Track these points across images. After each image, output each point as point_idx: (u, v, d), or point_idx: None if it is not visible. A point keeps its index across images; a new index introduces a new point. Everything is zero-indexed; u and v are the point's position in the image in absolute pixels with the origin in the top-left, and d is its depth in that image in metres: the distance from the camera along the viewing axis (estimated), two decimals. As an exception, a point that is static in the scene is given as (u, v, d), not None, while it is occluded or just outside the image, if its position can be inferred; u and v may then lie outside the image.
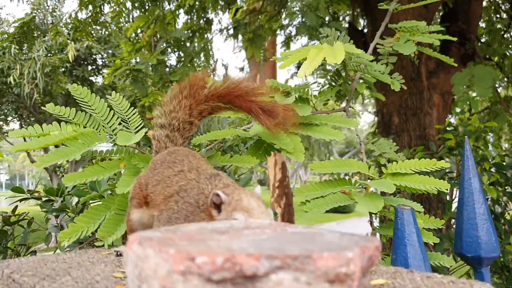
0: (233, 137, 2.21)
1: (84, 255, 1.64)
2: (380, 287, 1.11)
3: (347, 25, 7.68)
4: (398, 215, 1.71)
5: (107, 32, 15.55)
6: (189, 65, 6.51)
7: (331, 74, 2.53)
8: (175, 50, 7.14)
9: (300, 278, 0.66)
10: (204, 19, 8.30)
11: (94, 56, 17.42)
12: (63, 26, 12.72)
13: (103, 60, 17.86)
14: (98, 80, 18.70)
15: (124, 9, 8.32)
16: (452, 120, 9.17)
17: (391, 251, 1.71)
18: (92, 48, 16.05)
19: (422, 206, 1.97)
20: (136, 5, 7.29)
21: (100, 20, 9.93)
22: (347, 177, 2.13)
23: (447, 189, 1.94)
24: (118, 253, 1.59)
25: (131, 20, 8.95)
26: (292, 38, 8.03)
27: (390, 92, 3.66)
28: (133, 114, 2.20)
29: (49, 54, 15.30)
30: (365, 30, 8.18)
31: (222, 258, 0.66)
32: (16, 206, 3.20)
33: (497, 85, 6.46)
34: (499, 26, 9.22)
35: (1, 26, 18.57)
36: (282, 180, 13.91)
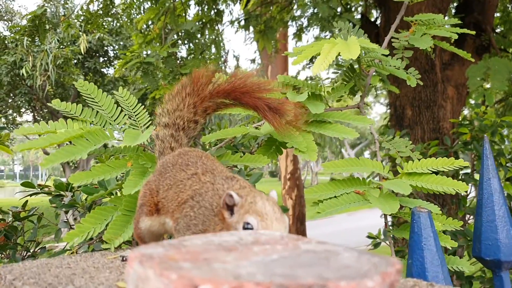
0: (244, 135, 2.15)
1: (89, 259, 1.59)
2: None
3: (359, 16, 7.56)
4: (415, 218, 1.64)
5: (118, 24, 15.54)
6: (200, 57, 6.44)
7: (344, 69, 2.45)
8: (186, 42, 7.08)
9: (313, 308, 0.59)
10: (215, 10, 8.22)
11: (105, 48, 17.44)
12: (75, 18, 12.69)
13: (115, 52, 17.88)
14: (110, 72, 18.73)
15: (135, 0, 8.27)
16: (466, 112, 9.03)
17: (407, 256, 1.65)
18: (103, 40, 16.06)
19: (437, 204, 1.90)
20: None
21: (112, 12, 9.90)
22: (360, 177, 2.07)
23: (466, 191, 1.86)
24: (124, 258, 1.55)
25: (142, 12, 8.91)
26: (304, 30, 7.92)
27: (403, 84, 3.57)
28: (141, 110, 2.14)
29: (61, 46, 15.34)
30: (378, 22, 8.05)
31: (229, 286, 0.60)
32: (27, 201, 3.19)
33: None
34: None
35: (13, 19, 18.65)
36: (294, 172, 13.84)
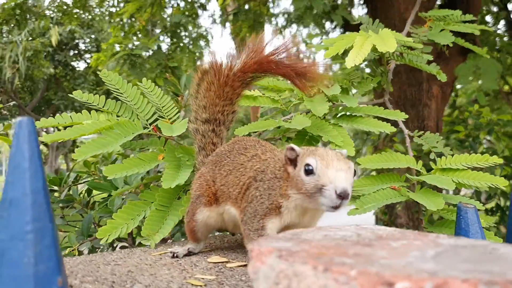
0: (274, 128, 2.09)
1: (133, 256, 1.52)
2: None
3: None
4: (462, 214, 1.62)
5: (90, 17, 15.13)
6: (187, 51, 6.33)
7: (370, 63, 2.42)
8: (169, 35, 6.96)
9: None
10: (198, 4, 8.12)
11: (76, 41, 16.95)
12: (47, 9, 12.32)
13: (86, 45, 17.41)
14: (80, 65, 18.26)
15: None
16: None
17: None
18: (75, 32, 15.58)
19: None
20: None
21: (87, 5, 9.65)
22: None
23: (505, 186, 1.85)
24: (175, 254, 1.47)
25: (116, 4, 8.71)
26: (287, 26, 7.89)
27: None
28: (168, 102, 2.06)
29: (29, 38, 14.85)
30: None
31: (432, 284, 0.54)
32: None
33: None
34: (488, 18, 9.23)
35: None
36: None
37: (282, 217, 1.24)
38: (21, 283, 0.86)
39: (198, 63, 7.91)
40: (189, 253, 1.51)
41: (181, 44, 6.24)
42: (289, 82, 1.85)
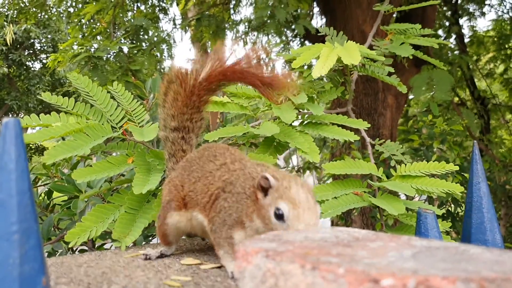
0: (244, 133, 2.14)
1: (105, 259, 1.53)
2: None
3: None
4: (421, 219, 1.71)
5: (46, 16, 14.77)
6: (148, 55, 6.29)
7: (332, 74, 2.51)
8: (131, 38, 6.89)
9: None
10: (159, 8, 8.09)
11: (32, 40, 16.49)
12: (1, 6, 11.95)
13: (42, 45, 16.95)
14: (36, 65, 17.75)
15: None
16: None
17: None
18: (30, 31, 15.16)
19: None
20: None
21: (45, 4, 9.43)
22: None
23: (461, 192, 1.97)
24: (147, 256, 1.50)
25: (74, 4, 8.56)
26: (248, 33, 7.97)
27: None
28: (137, 106, 2.08)
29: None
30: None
31: (415, 281, 0.60)
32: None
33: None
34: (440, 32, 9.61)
35: None
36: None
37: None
38: (6, 283, 0.87)
39: (159, 66, 7.87)
40: (162, 256, 1.53)
41: (143, 48, 6.19)
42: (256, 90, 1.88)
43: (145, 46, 6.45)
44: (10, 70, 16.21)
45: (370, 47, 2.69)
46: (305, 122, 2.23)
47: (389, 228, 2.09)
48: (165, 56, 6.87)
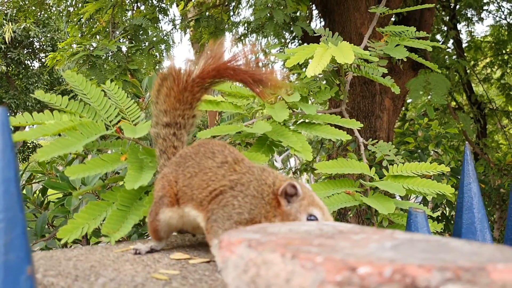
0: (235, 133, 2.15)
1: (95, 253, 1.53)
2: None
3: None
4: (412, 218, 1.72)
5: (46, 15, 14.77)
6: (147, 54, 6.30)
7: (328, 74, 2.53)
8: (129, 37, 6.90)
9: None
10: (159, 8, 8.10)
11: (31, 39, 16.49)
12: (0, 5, 11.94)
13: (41, 44, 16.95)
14: (34, 64, 17.73)
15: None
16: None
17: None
18: (29, 30, 15.16)
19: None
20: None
21: (44, 2, 9.44)
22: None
23: (451, 194, 1.98)
24: (137, 251, 1.50)
25: (74, 3, 8.56)
26: (248, 35, 7.99)
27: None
28: (131, 104, 2.09)
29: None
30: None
31: (391, 269, 0.62)
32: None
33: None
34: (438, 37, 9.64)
35: None
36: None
37: None
38: (-9, 272, 0.88)
39: (158, 67, 7.88)
40: (151, 251, 1.54)
41: (142, 47, 6.19)
42: (248, 88, 1.89)
43: (144, 46, 6.46)
44: (8, 68, 16.22)
45: (366, 49, 2.71)
46: (299, 121, 2.24)
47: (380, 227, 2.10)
48: (163, 56, 6.87)
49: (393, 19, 8.43)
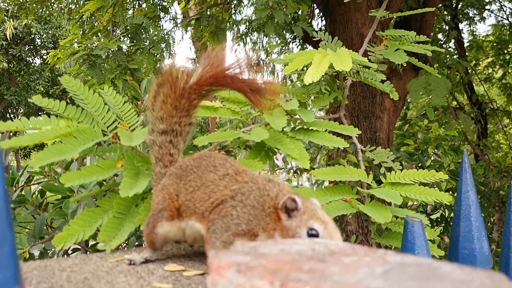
0: (233, 139, 2.14)
1: (90, 263, 1.53)
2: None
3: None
4: (409, 227, 1.72)
5: (47, 12, 14.77)
6: (147, 54, 6.29)
7: (327, 79, 2.52)
8: (129, 36, 6.90)
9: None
10: (160, 7, 8.08)
11: (33, 36, 16.48)
12: (2, 1, 11.95)
13: (42, 41, 16.94)
14: (36, 61, 17.72)
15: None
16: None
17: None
18: (31, 27, 15.15)
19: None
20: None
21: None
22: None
23: (448, 206, 1.97)
24: (132, 262, 1.50)
25: (75, 1, 8.55)
26: (248, 34, 7.97)
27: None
28: (129, 110, 2.09)
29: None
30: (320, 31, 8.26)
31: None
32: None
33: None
34: (439, 36, 9.62)
35: None
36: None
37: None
38: (-21, 292, 0.87)
39: (158, 65, 7.87)
40: (146, 261, 1.53)
41: (142, 46, 6.19)
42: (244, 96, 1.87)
43: (144, 45, 6.45)
44: (10, 65, 16.22)
45: (366, 53, 2.70)
46: (297, 128, 2.24)
47: (380, 235, 2.10)
48: (164, 55, 6.86)
49: (394, 17, 8.40)
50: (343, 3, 6.82)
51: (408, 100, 6.65)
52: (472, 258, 1.94)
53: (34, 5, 9.77)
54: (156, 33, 6.48)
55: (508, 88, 9.70)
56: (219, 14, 6.85)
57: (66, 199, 2.66)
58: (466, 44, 9.83)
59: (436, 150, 4.36)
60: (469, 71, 8.78)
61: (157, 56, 7.04)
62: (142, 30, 6.86)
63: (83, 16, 6.63)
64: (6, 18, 12.85)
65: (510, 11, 9.77)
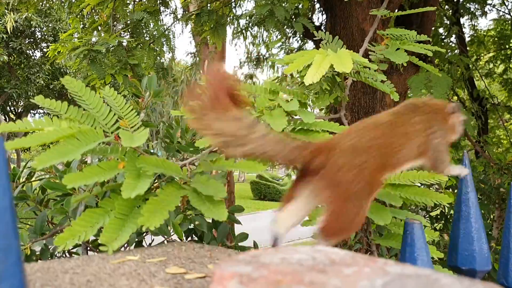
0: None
1: (91, 264, 1.54)
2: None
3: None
4: (409, 229, 1.73)
5: (47, 5, 14.73)
6: (147, 49, 6.30)
7: (327, 80, 2.52)
8: (129, 31, 6.89)
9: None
10: (160, 1, 8.08)
11: (33, 29, 16.45)
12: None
13: (43, 34, 16.92)
14: (36, 54, 17.70)
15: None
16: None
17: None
18: (31, 20, 15.11)
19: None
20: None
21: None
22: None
23: (449, 204, 1.99)
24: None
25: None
26: (249, 29, 7.97)
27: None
28: (130, 111, 2.09)
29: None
30: (322, 28, 8.25)
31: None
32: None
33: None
34: (440, 30, 9.60)
35: None
36: (226, 167, 13.87)
37: None
38: (-16, 300, 0.89)
39: (159, 59, 7.87)
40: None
41: (143, 42, 6.19)
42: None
43: (145, 40, 6.45)
44: (10, 58, 16.20)
45: (366, 52, 2.70)
46: (297, 128, 2.24)
47: (377, 236, 2.12)
48: (164, 50, 6.86)
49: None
50: (341, -4, 6.81)
51: (409, 96, 6.66)
52: (472, 259, 1.96)
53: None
54: (156, 28, 6.48)
55: (509, 83, 9.70)
56: (220, 9, 6.84)
57: (68, 197, 2.68)
58: (467, 39, 9.82)
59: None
60: (470, 66, 8.77)
61: (157, 51, 7.05)
62: (143, 25, 6.86)
63: (83, 11, 6.62)
64: (6, 11, 12.82)
65: (512, 6, 9.75)
